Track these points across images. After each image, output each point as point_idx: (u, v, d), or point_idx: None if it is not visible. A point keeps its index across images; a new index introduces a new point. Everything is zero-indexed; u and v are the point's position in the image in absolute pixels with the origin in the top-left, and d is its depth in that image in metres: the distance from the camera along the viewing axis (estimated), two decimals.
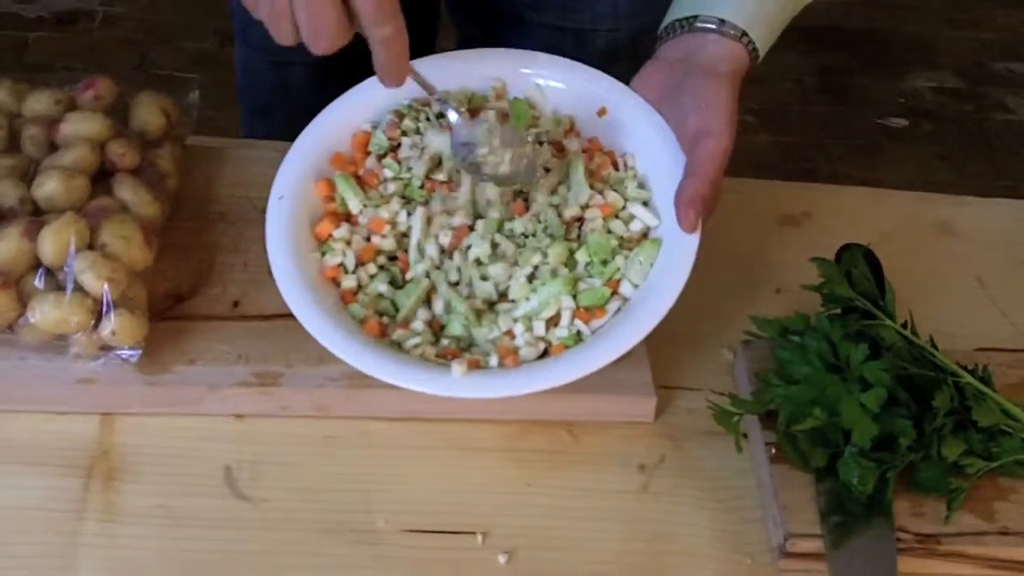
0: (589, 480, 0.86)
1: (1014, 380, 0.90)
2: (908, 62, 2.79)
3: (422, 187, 0.90)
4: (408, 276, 0.88)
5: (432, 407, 0.87)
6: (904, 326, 0.88)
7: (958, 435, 0.82)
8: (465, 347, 0.85)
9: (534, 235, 0.87)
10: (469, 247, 0.87)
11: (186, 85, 1.01)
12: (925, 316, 0.91)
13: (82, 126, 0.92)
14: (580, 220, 0.89)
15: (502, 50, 0.98)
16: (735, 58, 0.90)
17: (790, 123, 2.57)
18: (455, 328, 0.85)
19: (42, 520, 0.80)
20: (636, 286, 0.86)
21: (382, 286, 0.87)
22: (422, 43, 1.31)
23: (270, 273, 0.87)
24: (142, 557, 0.79)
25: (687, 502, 0.85)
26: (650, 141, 0.91)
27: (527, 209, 0.89)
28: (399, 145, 0.92)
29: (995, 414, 0.83)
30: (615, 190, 0.90)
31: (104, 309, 0.83)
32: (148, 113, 0.96)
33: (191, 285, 0.93)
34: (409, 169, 0.91)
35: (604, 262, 0.87)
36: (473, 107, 0.94)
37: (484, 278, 0.86)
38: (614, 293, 0.86)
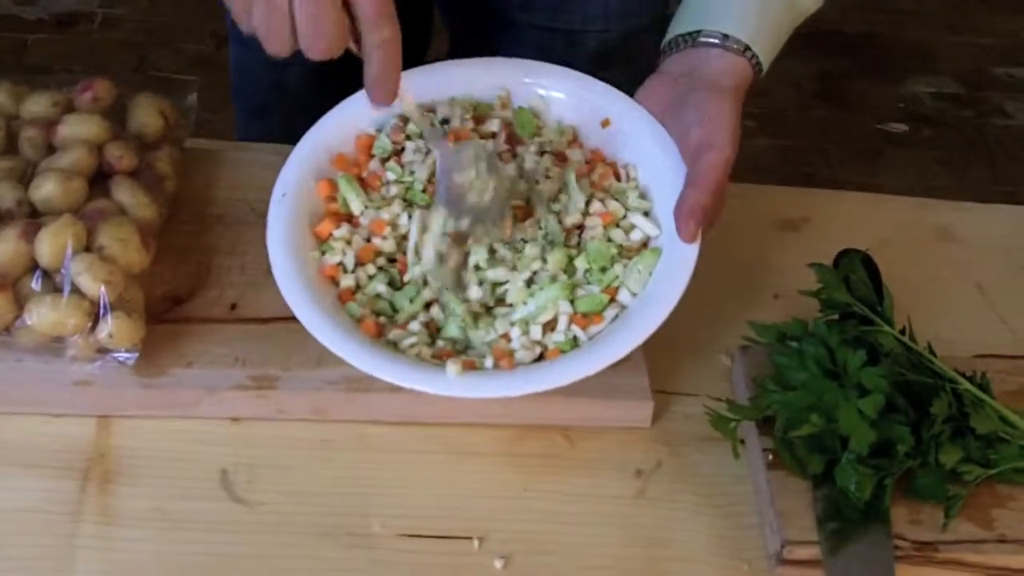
0: (586, 485, 0.85)
1: (1013, 387, 0.90)
2: (908, 67, 2.79)
3: (424, 191, 0.90)
4: (406, 278, 0.88)
5: (429, 411, 0.87)
6: (903, 332, 0.88)
7: (956, 442, 0.82)
8: (461, 349, 0.85)
9: (534, 241, 0.87)
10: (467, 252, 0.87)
11: (185, 87, 1.01)
12: (924, 322, 0.90)
13: (80, 128, 0.92)
14: (580, 228, 0.89)
15: (507, 59, 0.98)
16: (739, 72, 0.90)
17: (789, 128, 2.57)
18: (452, 330, 0.85)
19: (38, 522, 0.80)
20: (634, 294, 0.86)
21: (380, 287, 0.87)
22: (416, 47, 1.31)
23: (268, 276, 0.87)
24: (138, 560, 0.79)
25: (684, 508, 0.85)
26: (653, 153, 0.91)
27: (528, 215, 0.89)
28: (403, 149, 0.92)
29: (993, 421, 0.83)
30: (616, 200, 0.90)
31: (101, 311, 0.83)
32: (146, 115, 0.96)
33: (188, 288, 0.92)
34: (412, 173, 0.91)
35: (603, 269, 0.87)
36: (478, 115, 0.95)
37: (482, 282, 0.86)
38: (612, 300, 0.86)
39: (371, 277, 0.87)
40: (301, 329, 0.83)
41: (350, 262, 0.88)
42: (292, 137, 0.93)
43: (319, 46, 0.74)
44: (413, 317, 0.86)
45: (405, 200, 0.90)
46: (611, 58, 1.17)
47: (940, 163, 2.55)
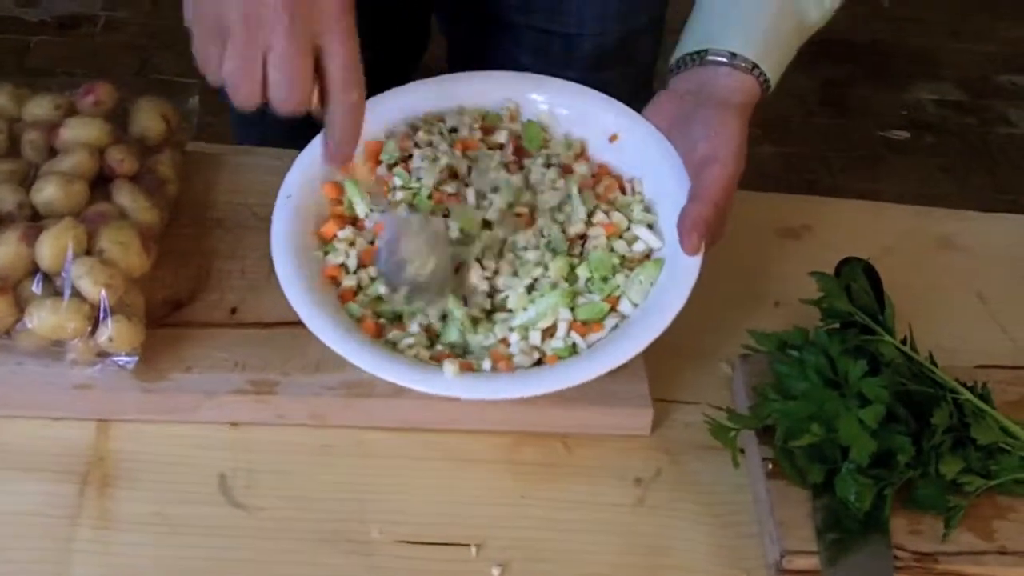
0: (584, 493, 0.85)
1: (1013, 397, 0.89)
2: (911, 74, 2.78)
3: (430, 197, 0.90)
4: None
5: (428, 417, 0.87)
6: (904, 341, 0.88)
7: (957, 452, 0.82)
8: (460, 353, 0.85)
9: (536, 248, 0.87)
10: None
11: (187, 90, 1.01)
12: (925, 331, 0.90)
13: (81, 131, 0.92)
14: (583, 238, 0.89)
15: (518, 73, 0.98)
16: (746, 90, 0.90)
17: (792, 134, 2.57)
18: (451, 334, 0.85)
19: (37, 526, 0.80)
20: (635, 305, 0.86)
21: (382, 289, 0.87)
22: (414, 50, 1.31)
23: (268, 280, 0.87)
24: (137, 564, 0.79)
25: (683, 516, 0.85)
26: (659, 168, 0.91)
27: (531, 223, 0.89)
28: (410, 156, 0.92)
29: (994, 432, 0.83)
30: (620, 211, 0.90)
31: (101, 315, 0.83)
32: (148, 119, 0.96)
33: (189, 292, 0.92)
34: (418, 180, 0.91)
35: (604, 279, 0.87)
36: (486, 126, 0.95)
37: (483, 288, 0.86)
38: (612, 310, 0.86)
39: (373, 279, 0.87)
40: (301, 334, 0.83)
41: (352, 263, 0.88)
42: (289, 142, 0.93)
43: (288, 106, 0.74)
44: (412, 317, 0.86)
45: (411, 206, 0.90)
46: (608, 60, 1.17)
47: (942, 170, 2.55)
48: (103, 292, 0.83)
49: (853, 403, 0.81)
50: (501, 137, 0.94)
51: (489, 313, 0.86)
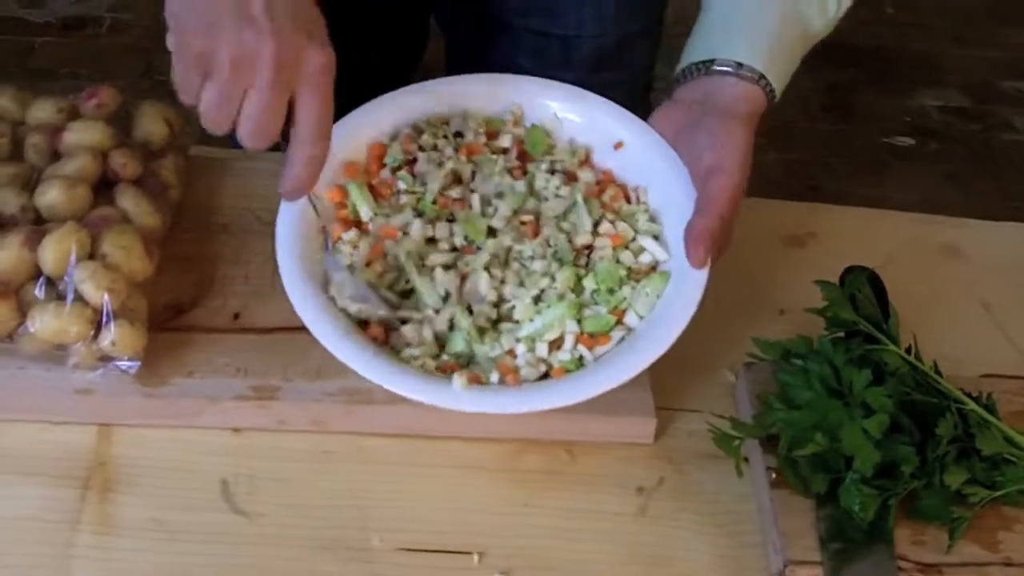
0: (587, 501, 0.85)
1: (1019, 408, 0.89)
2: (915, 80, 2.78)
3: (434, 202, 0.90)
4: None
5: (430, 424, 0.86)
6: (908, 351, 0.87)
7: (961, 463, 0.81)
8: (465, 363, 0.84)
9: (543, 258, 0.87)
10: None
11: None
12: (929, 340, 0.90)
13: (84, 135, 0.92)
14: (589, 248, 0.89)
15: (523, 77, 0.98)
16: (753, 99, 0.90)
17: (795, 141, 2.57)
18: (457, 344, 0.84)
19: (37, 531, 0.80)
20: (641, 317, 0.85)
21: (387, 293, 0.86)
22: (413, 50, 1.31)
23: (272, 285, 0.86)
24: (137, 570, 0.79)
25: (686, 526, 0.84)
26: (664, 177, 0.91)
27: (537, 232, 0.89)
28: (415, 160, 0.92)
29: (999, 442, 0.82)
30: (626, 222, 0.90)
31: (104, 319, 0.83)
32: (151, 123, 0.96)
33: (192, 296, 0.92)
34: (424, 184, 0.90)
35: (611, 291, 0.86)
36: (490, 130, 0.95)
37: (490, 298, 0.86)
38: (619, 322, 0.85)
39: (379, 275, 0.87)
40: (303, 339, 0.83)
41: (359, 265, 0.87)
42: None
43: (254, 144, 0.77)
44: (419, 325, 0.85)
45: (415, 210, 0.90)
46: (607, 63, 1.17)
47: (947, 177, 2.55)
48: (106, 296, 0.82)
49: (857, 413, 0.81)
50: (505, 141, 0.94)
51: (495, 323, 0.86)
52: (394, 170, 0.92)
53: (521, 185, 0.91)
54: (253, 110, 0.74)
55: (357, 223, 0.90)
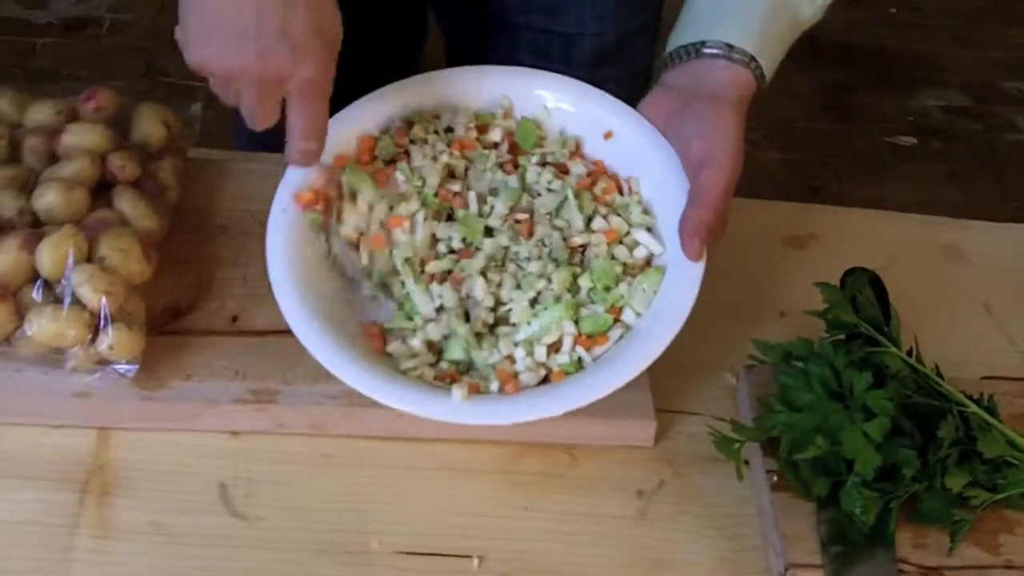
0: (587, 504, 0.85)
1: (1020, 410, 0.89)
2: (917, 80, 2.78)
3: (436, 195, 0.89)
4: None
5: (429, 427, 0.85)
6: (909, 353, 0.87)
7: (962, 466, 0.81)
8: (464, 370, 0.84)
9: (539, 259, 0.86)
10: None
11: (192, 94, 1.01)
12: (931, 342, 0.90)
13: (82, 137, 0.91)
14: (584, 245, 0.88)
15: (510, 67, 0.97)
16: (743, 84, 0.89)
17: (797, 141, 2.56)
18: (455, 351, 0.84)
19: (35, 534, 0.80)
20: (639, 314, 0.85)
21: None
22: (410, 49, 1.30)
23: (270, 288, 0.86)
24: (135, 574, 0.79)
25: (686, 529, 0.84)
26: (656, 166, 0.90)
27: (530, 231, 0.88)
28: (407, 152, 0.91)
29: (1000, 445, 0.82)
30: (619, 215, 0.89)
31: (101, 323, 0.82)
32: (149, 125, 0.95)
33: (190, 299, 0.92)
34: (422, 179, 0.90)
35: (607, 288, 0.86)
36: (480, 124, 0.94)
37: (487, 303, 0.86)
38: (616, 320, 0.85)
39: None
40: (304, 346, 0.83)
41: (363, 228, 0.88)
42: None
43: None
44: (414, 333, 0.85)
45: (421, 199, 0.89)
46: (607, 60, 1.16)
47: (949, 177, 2.54)
48: (103, 300, 0.82)
49: (858, 416, 0.80)
50: (495, 136, 0.93)
51: (492, 326, 0.85)
52: (387, 162, 0.91)
53: (514, 180, 0.90)
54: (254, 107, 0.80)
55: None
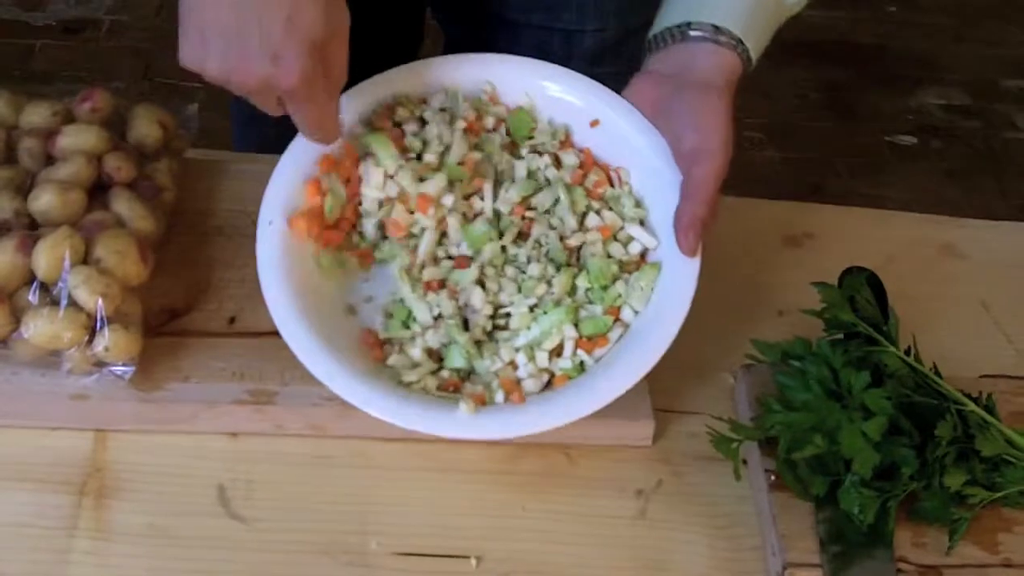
0: (585, 504, 0.85)
1: (1019, 408, 0.89)
2: (916, 78, 2.77)
3: (462, 163, 0.88)
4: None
5: None
6: (907, 352, 0.87)
7: (961, 465, 0.81)
8: (466, 376, 0.84)
9: (538, 262, 0.86)
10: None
11: (191, 95, 1.01)
12: (929, 341, 0.90)
13: (79, 139, 0.91)
14: (579, 245, 0.88)
15: (495, 55, 0.95)
16: (729, 68, 0.88)
17: (797, 139, 2.56)
18: (455, 360, 0.83)
19: (33, 537, 0.80)
20: (637, 312, 0.85)
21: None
22: (407, 47, 1.30)
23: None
24: None
25: (684, 529, 0.84)
26: (645, 156, 0.89)
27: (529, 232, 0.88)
28: (422, 120, 0.90)
29: (999, 444, 0.82)
30: (612, 209, 0.89)
31: (98, 324, 0.82)
32: (145, 126, 0.95)
33: (187, 300, 0.92)
34: (443, 145, 0.88)
35: (604, 287, 0.85)
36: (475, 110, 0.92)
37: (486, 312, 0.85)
38: (616, 320, 0.85)
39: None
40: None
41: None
42: (286, 142, 0.92)
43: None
44: (412, 342, 0.85)
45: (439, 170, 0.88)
46: (608, 56, 1.16)
47: (949, 175, 2.54)
48: (100, 301, 0.82)
49: (856, 415, 0.80)
50: (489, 123, 0.92)
51: (491, 332, 0.85)
52: (396, 124, 0.90)
53: (523, 167, 0.89)
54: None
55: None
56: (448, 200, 0.86)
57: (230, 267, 0.94)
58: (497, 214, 0.88)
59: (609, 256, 0.87)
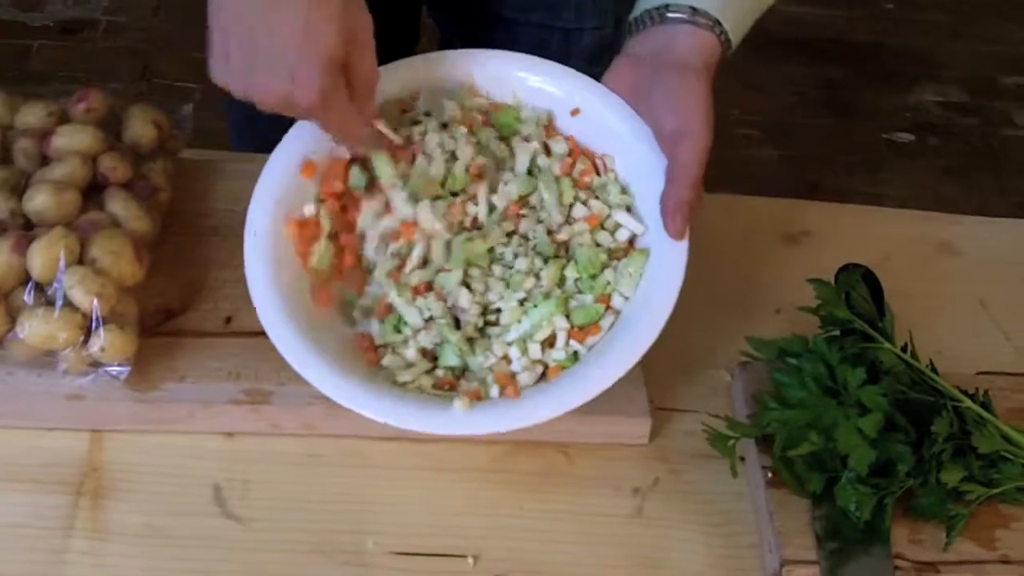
0: (582, 503, 0.85)
1: (1017, 405, 0.89)
2: (914, 76, 2.77)
3: (468, 170, 0.87)
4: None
5: None
6: (904, 349, 0.87)
7: (958, 461, 0.81)
8: (460, 374, 0.84)
9: (526, 256, 0.86)
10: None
11: (188, 95, 1.01)
12: (926, 338, 0.89)
13: (74, 139, 0.91)
14: (568, 238, 0.87)
15: (470, 50, 0.94)
16: (708, 50, 0.87)
17: (794, 137, 2.56)
18: (449, 358, 0.83)
19: (29, 538, 0.80)
20: (627, 298, 0.84)
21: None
22: (402, 46, 1.30)
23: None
24: None
25: (681, 526, 0.84)
26: (628, 142, 0.88)
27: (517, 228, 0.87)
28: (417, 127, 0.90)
29: (995, 440, 0.82)
30: (598, 198, 0.88)
31: (93, 325, 0.82)
32: (140, 126, 0.95)
33: (183, 300, 0.92)
34: (449, 153, 0.87)
35: (593, 276, 0.85)
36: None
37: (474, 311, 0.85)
38: (607, 308, 0.84)
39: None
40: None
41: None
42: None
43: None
44: (405, 342, 0.85)
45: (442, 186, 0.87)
46: (607, 55, 1.16)
47: (946, 173, 2.54)
48: (95, 301, 0.82)
49: (852, 412, 0.80)
50: (478, 119, 0.91)
51: (483, 328, 0.85)
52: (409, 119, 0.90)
53: (525, 157, 0.89)
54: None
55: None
56: (435, 225, 0.86)
57: (226, 267, 0.94)
58: (491, 208, 0.88)
59: (597, 244, 0.86)
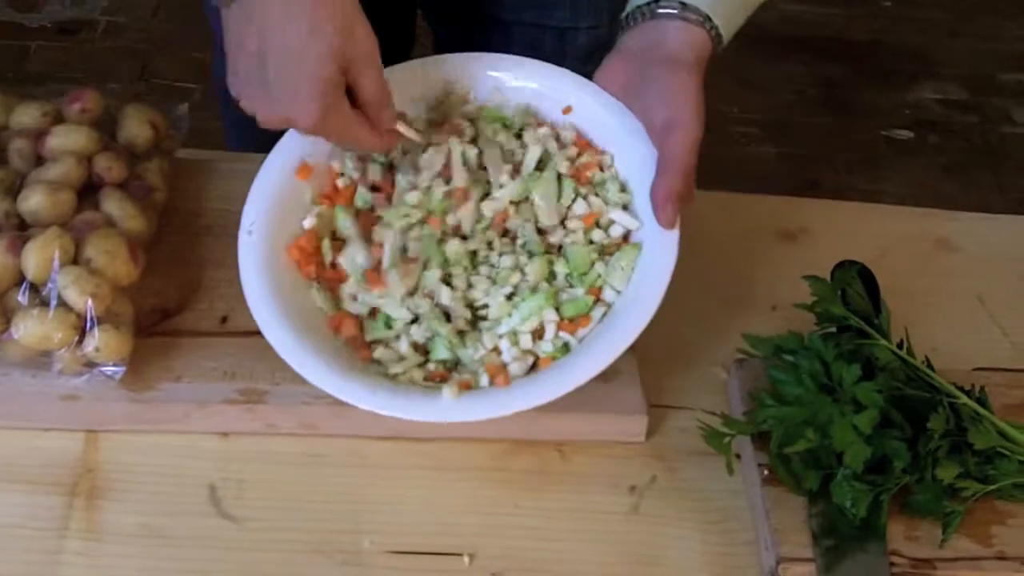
0: (578, 501, 0.84)
1: (1012, 401, 0.88)
2: (913, 73, 2.77)
3: (448, 196, 0.87)
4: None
5: (419, 426, 0.85)
6: (900, 345, 0.87)
7: (954, 457, 0.81)
8: (452, 367, 0.84)
9: (512, 253, 0.86)
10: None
11: (187, 95, 1.01)
12: (923, 334, 0.89)
13: (68, 139, 0.91)
14: (561, 237, 0.87)
15: (456, 54, 0.94)
16: (698, 45, 0.88)
17: (794, 135, 2.56)
18: (440, 352, 0.83)
19: (24, 538, 0.80)
20: (618, 292, 0.84)
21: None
22: (398, 49, 1.30)
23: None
24: None
25: (678, 524, 0.84)
26: (623, 140, 0.88)
27: (506, 230, 0.87)
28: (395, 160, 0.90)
29: (992, 436, 0.82)
30: (598, 195, 0.88)
31: (88, 325, 0.82)
32: (136, 126, 0.95)
33: (178, 300, 0.92)
34: (421, 191, 0.88)
35: (583, 274, 0.85)
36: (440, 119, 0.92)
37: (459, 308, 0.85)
38: (597, 300, 0.84)
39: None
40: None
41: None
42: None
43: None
44: (397, 338, 0.84)
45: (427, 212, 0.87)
46: (602, 54, 1.16)
47: (946, 170, 2.54)
48: (90, 302, 0.82)
49: (847, 409, 0.80)
50: (467, 132, 0.91)
51: (474, 321, 0.85)
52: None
53: (536, 150, 0.88)
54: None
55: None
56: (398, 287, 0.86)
57: (221, 266, 0.94)
58: (480, 217, 0.88)
59: (591, 243, 0.86)
